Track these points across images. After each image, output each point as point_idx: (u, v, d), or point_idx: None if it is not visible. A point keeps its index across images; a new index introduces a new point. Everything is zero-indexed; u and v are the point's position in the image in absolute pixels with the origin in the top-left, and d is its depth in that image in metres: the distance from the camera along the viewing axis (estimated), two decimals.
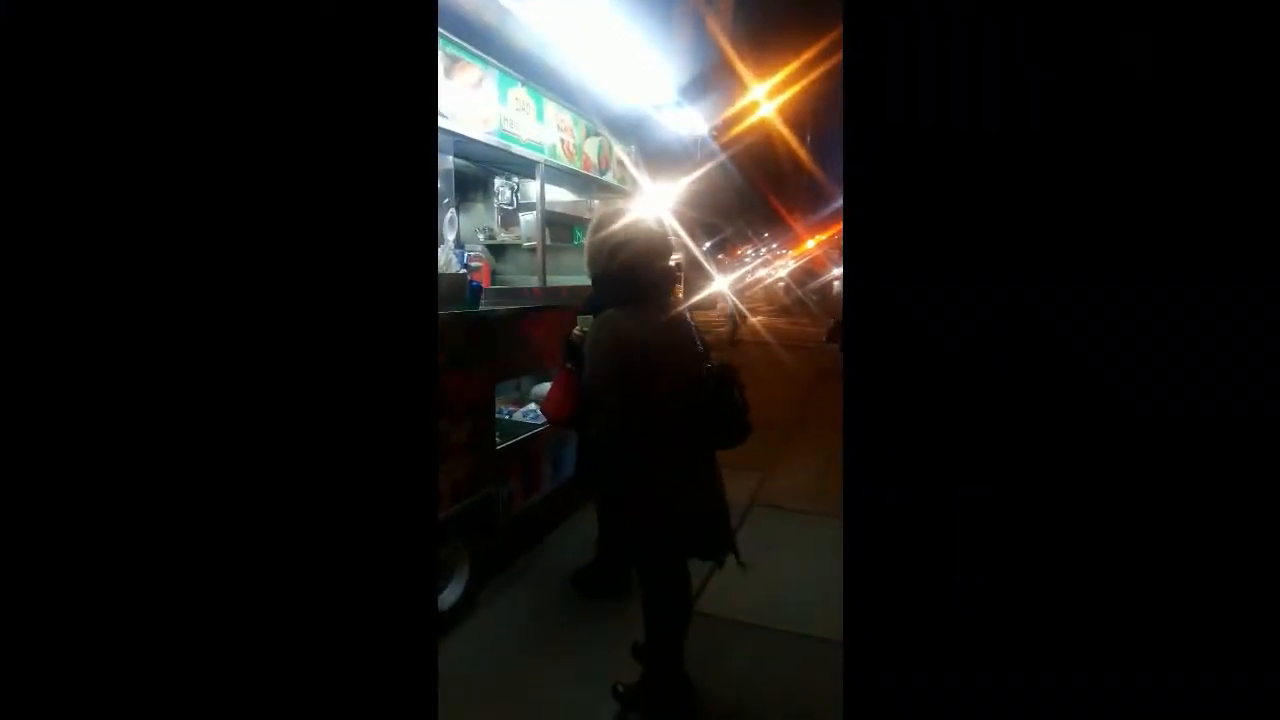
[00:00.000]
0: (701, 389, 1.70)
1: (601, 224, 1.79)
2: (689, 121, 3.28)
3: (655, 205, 3.89)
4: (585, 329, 2.46)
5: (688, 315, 1.91)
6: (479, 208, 3.34)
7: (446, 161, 2.26)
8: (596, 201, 3.75)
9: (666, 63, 2.60)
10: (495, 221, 3.40)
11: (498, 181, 3.40)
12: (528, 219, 3.31)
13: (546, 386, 3.24)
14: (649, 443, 1.64)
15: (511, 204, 3.47)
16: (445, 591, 2.37)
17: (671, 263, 1.90)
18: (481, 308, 2.37)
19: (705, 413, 1.69)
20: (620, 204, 1.78)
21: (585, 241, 1.84)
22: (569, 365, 2.58)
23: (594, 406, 1.76)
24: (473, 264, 2.19)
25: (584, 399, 2.47)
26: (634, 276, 1.71)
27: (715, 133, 3.26)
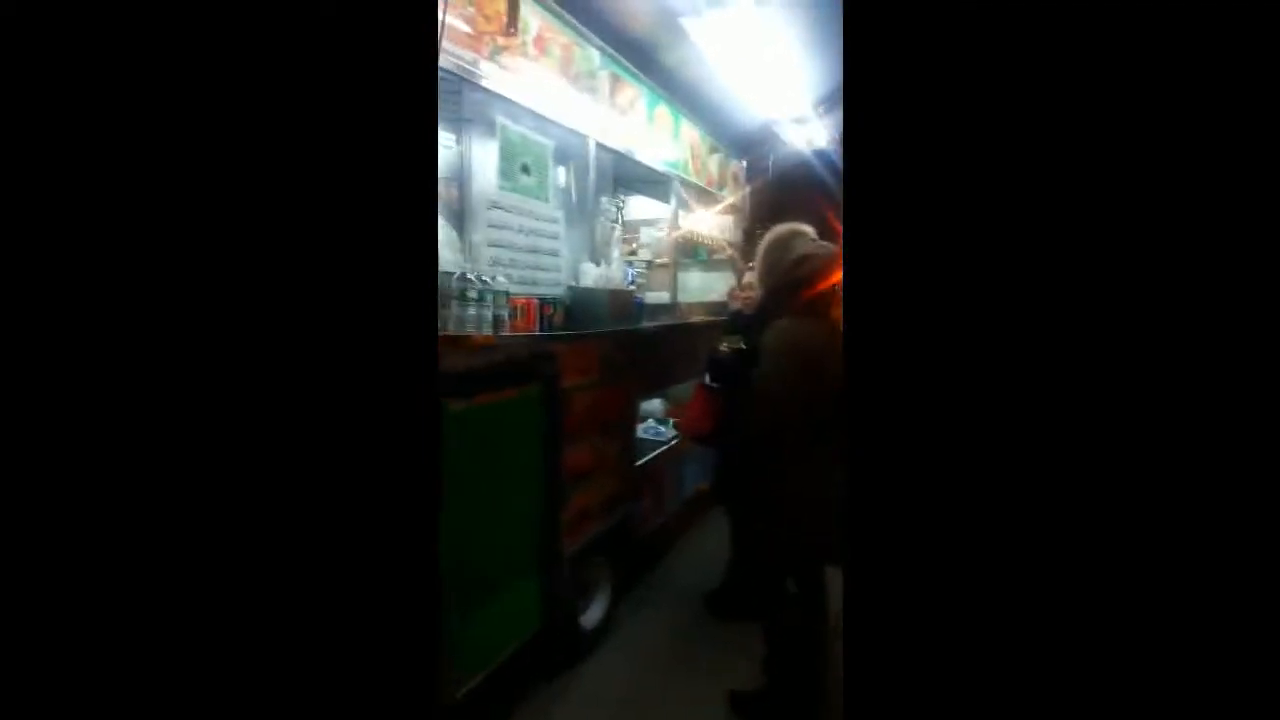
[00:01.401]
0: None
1: (780, 238, 1.82)
2: (811, 135, 3.24)
3: (753, 220, 3.86)
4: (731, 345, 2.46)
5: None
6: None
7: (605, 177, 2.27)
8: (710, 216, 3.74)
9: (809, 74, 2.56)
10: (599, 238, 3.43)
11: (603, 199, 3.43)
12: (649, 235, 3.32)
13: (657, 403, 3.23)
14: (809, 445, 1.68)
15: (616, 220, 3.50)
16: (590, 611, 2.35)
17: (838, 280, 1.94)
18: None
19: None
20: (797, 224, 1.81)
21: (761, 252, 1.85)
22: (711, 382, 2.56)
23: (761, 406, 1.78)
24: (639, 280, 2.19)
25: (728, 413, 2.46)
26: (810, 289, 1.74)
27: (834, 145, 3.19)
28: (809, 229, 1.88)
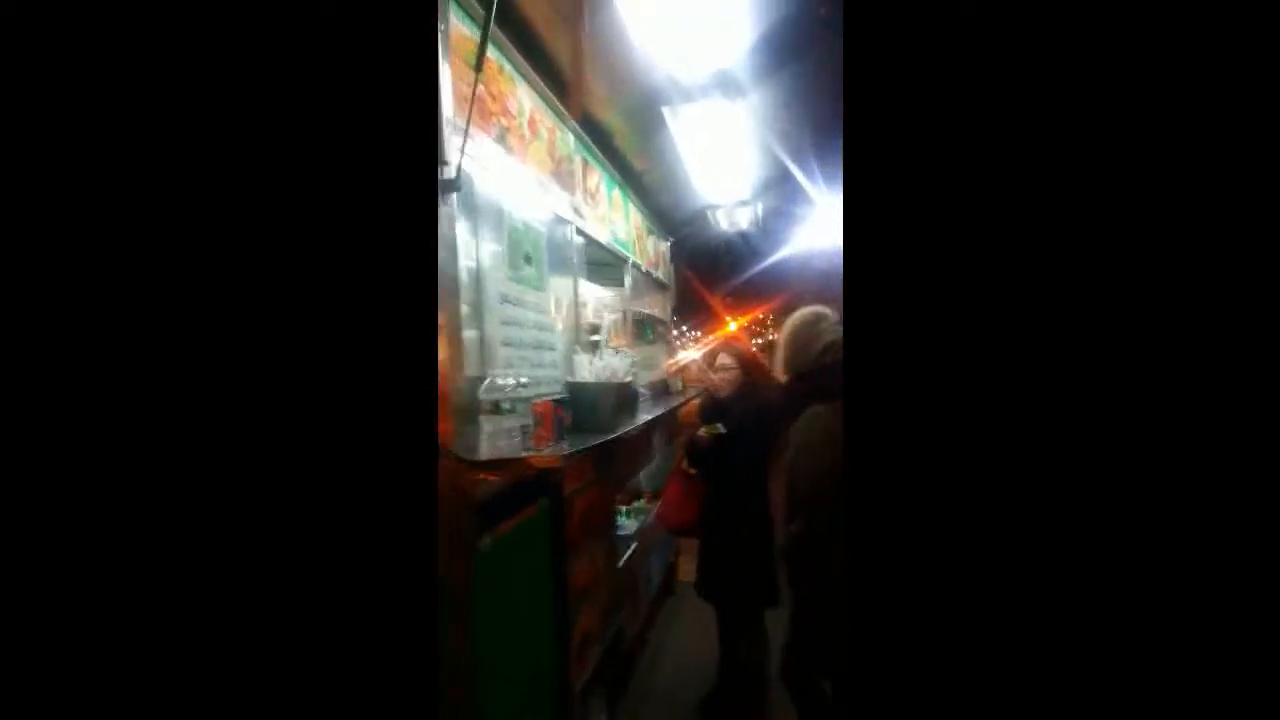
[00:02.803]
0: None
1: (807, 322, 1.77)
2: (742, 217, 3.35)
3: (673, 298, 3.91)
4: (710, 430, 2.37)
5: None
6: None
7: (582, 263, 2.14)
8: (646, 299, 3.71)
9: (760, 159, 2.65)
10: None
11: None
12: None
13: None
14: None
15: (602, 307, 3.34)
16: None
17: None
18: None
19: None
20: (818, 307, 1.77)
21: (787, 335, 1.79)
22: (691, 469, 2.43)
23: (803, 504, 1.68)
24: (636, 370, 2.04)
25: (710, 502, 2.34)
26: (839, 375, 1.71)
27: (760, 225, 3.31)
28: (830, 311, 1.83)
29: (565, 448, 1.45)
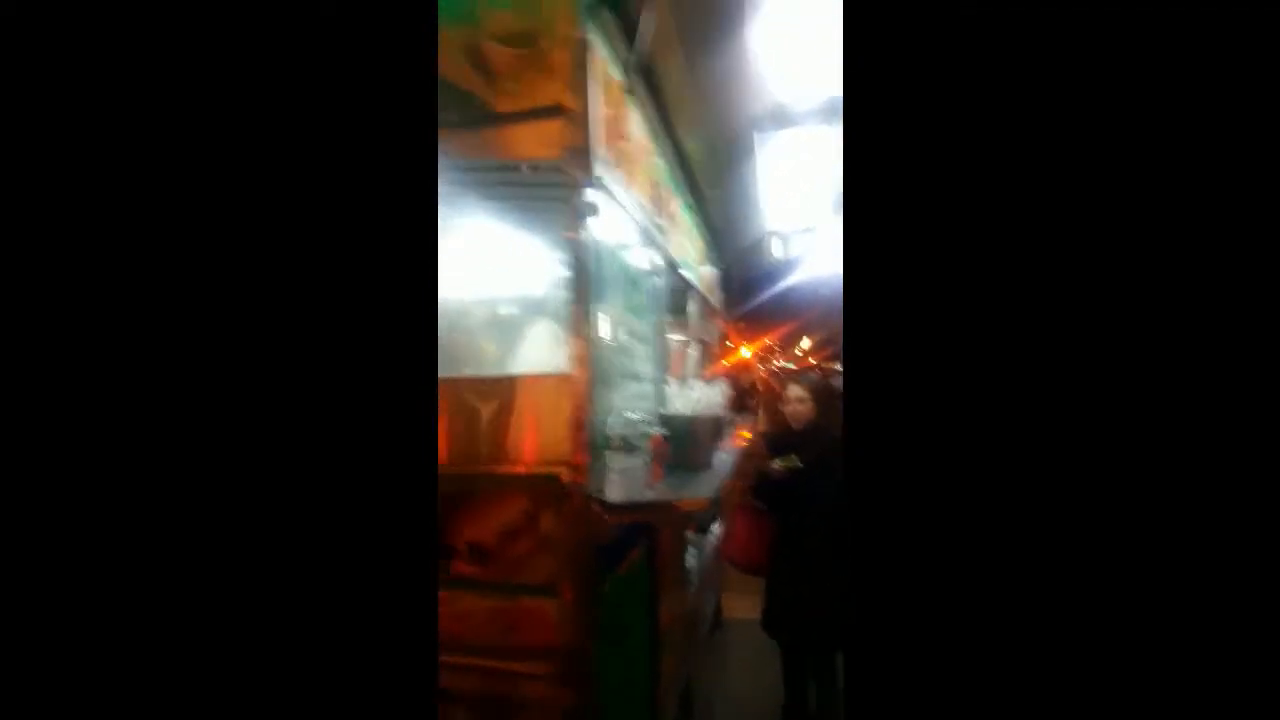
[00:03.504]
0: None
1: None
2: (793, 244, 3.32)
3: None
4: (785, 464, 2.29)
5: None
6: None
7: (665, 288, 2.09)
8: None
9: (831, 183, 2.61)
10: None
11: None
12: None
13: None
14: None
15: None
16: None
17: None
18: None
19: None
20: None
21: None
22: (758, 503, 2.35)
23: None
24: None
25: (782, 539, 2.25)
26: None
27: (819, 252, 3.29)
28: None
29: (672, 485, 1.39)
